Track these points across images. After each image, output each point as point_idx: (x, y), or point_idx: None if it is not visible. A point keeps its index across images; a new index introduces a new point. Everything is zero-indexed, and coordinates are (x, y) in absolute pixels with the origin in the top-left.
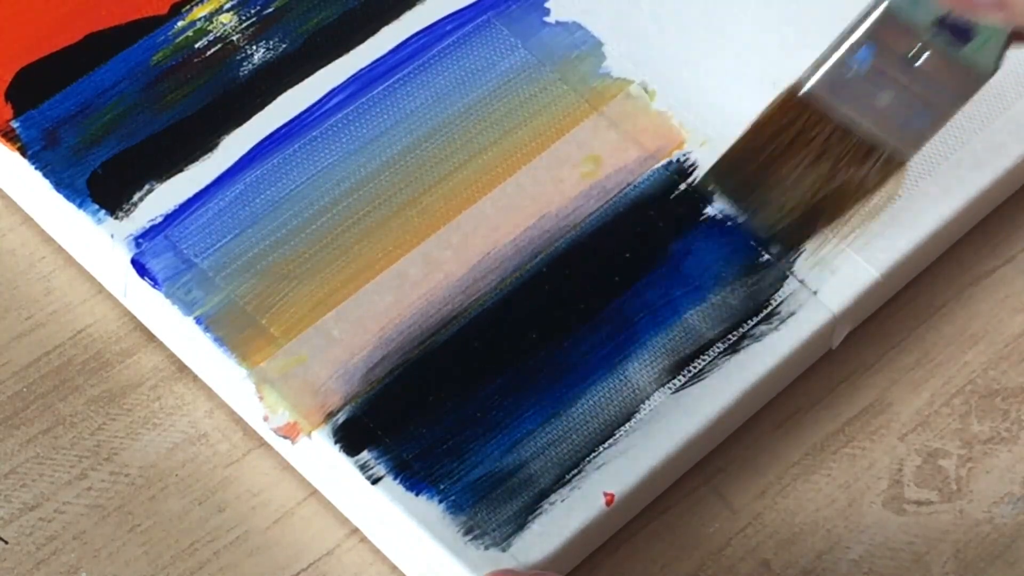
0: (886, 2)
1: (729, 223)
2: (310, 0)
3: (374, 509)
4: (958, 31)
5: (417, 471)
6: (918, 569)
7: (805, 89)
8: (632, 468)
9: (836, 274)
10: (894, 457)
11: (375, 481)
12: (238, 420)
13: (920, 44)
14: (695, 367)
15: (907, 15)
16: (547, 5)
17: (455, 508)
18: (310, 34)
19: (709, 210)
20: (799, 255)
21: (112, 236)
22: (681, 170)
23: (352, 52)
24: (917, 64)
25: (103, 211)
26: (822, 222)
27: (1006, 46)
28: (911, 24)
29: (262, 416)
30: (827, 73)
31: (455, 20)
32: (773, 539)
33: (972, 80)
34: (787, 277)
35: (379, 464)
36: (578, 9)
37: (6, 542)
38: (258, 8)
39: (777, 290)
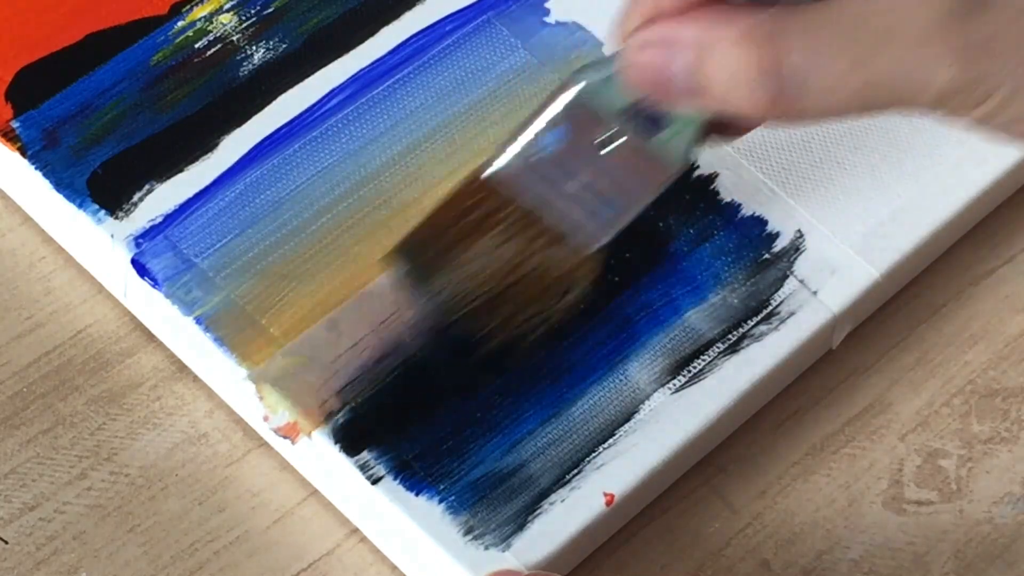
0: (579, 85)
1: (729, 222)
2: (310, 0)
3: (374, 509)
4: (650, 119)
5: (417, 471)
6: (918, 569)
7: (490, 171)
8: (632, 468)
9: (836, 274)
10: (894, 457)
11: (375, 481)
12: (238, 420)
13: (610, 131)
14: (695, 367)
15: (598, 100)
16: (547, 5)
17: (455, 508)
18: (310, 34)
19: (709, 209)
20: (799, 255)
21: (112, 236)
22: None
23: (352, 52)
24: (605, 151)
25: (103, 211)
26: (508, 308)
27: (698, 139)
28: (601, 109)
29: (262, 416)
30: (515, 156)
31: (455, 20)
32: (773, 539)
33: (661, 172)
34: (787, 277)
35: (379, 464)
36: (578, 9)
37: (6, 542)
38: (258, 8)
39: (777, 290)
